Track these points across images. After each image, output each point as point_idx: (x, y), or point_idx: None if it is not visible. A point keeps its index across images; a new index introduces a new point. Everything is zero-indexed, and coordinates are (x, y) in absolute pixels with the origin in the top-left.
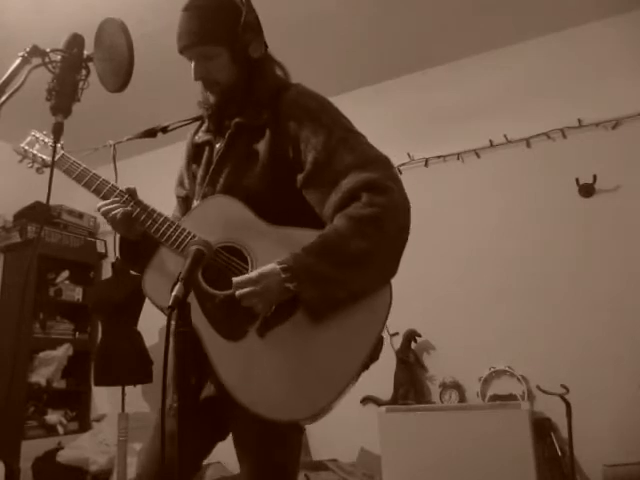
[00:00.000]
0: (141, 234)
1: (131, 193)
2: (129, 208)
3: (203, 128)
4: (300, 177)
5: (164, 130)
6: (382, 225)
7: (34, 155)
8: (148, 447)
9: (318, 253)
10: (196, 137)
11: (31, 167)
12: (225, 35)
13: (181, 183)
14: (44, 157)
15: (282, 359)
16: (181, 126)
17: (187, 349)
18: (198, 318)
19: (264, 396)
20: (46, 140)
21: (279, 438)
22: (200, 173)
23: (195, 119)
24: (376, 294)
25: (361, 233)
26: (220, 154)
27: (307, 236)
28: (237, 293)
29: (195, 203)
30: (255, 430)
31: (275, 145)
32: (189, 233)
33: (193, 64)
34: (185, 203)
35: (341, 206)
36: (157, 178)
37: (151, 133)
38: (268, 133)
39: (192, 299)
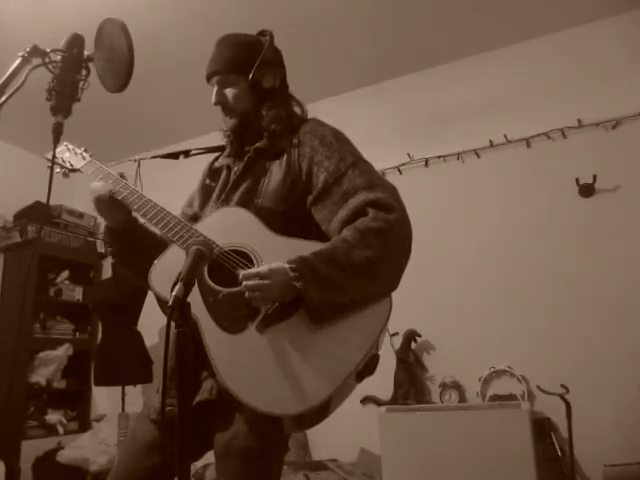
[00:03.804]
0: (124, 223)
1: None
2: (117, 188)
3: (224, 154)
4: (310, 197)
5: (186, 154)
6: (386, 238)
7: (63, 160)
8: (124, 455)
9: (324, 258)
10: (215, 163)
11: (58, 172)
12: (244, 67)
13: (190, 204)
14: (72, 162)
15: (276, 356)
16: (203, 152)
17: (188, 349)
18: (199, 310)
19: (252, 386)
20: (77, 150)
21: (263, 453)
22: (215, 193)
23: (217, 148)
24: (376, 306)
25: (366, 243)
26: (237, 175)
27: (313, 246)
28: (244, 284)
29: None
30: (239, 442)
31: (290, 168)
32: (191, 229)
33: (215, 90)
34: (194, 220)
35: (348, 221)
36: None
37: (174, 155)
38: (284, 159)
39: (195, 292)
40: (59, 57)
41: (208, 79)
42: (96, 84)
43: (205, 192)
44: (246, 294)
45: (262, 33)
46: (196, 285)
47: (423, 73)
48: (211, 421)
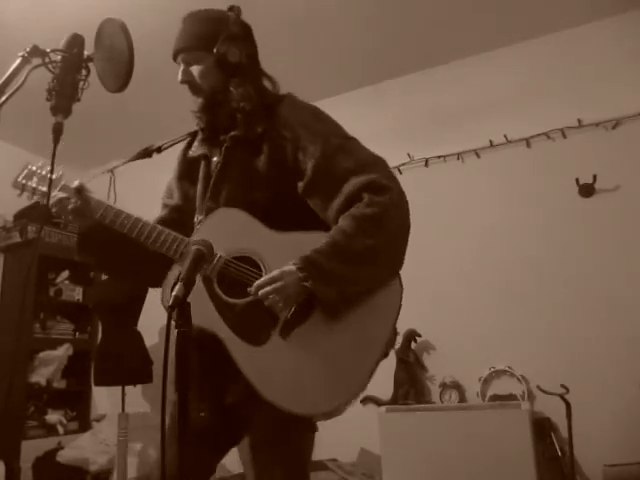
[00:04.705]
0: (91, 227)
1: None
2: (100, 212)
3: (196, 142)
4: (301, 185)
5: (159, 150)
6: (384, 222)
7: (34, 188)
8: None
9: (327, 253)
10: (190, 151)
11: (32, 199)
12: (209, 42)
13: (170, 195)
14: (44, 189)
15: (306, 357)
16: (175, 144)
17: (187, 349)
18: (221, 328)
19: (291, 393)
20: (43, 172)
21: (292, 440)
22: (199, 188)
23: (188, 135)
24: (387, 286)
25: (365, 231)
26: (219, 168)
27: (315, 238)
28: (260, 292)
29: (198, 218)
30: (269, 431)
31: (273, 157)
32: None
33: (180, 68)
34: (177, 212)
35: (344, 208)
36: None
37: (146, 154)
38: (265, 145)
39: (212, 309)
40: (59, 57)
41: (174, 58)
42: (96, 84)
43: (185, 184)
44: (265, 302)
45: (230, 8)
46: (211, 302)
47: (423, 73)
48: (241, 415)
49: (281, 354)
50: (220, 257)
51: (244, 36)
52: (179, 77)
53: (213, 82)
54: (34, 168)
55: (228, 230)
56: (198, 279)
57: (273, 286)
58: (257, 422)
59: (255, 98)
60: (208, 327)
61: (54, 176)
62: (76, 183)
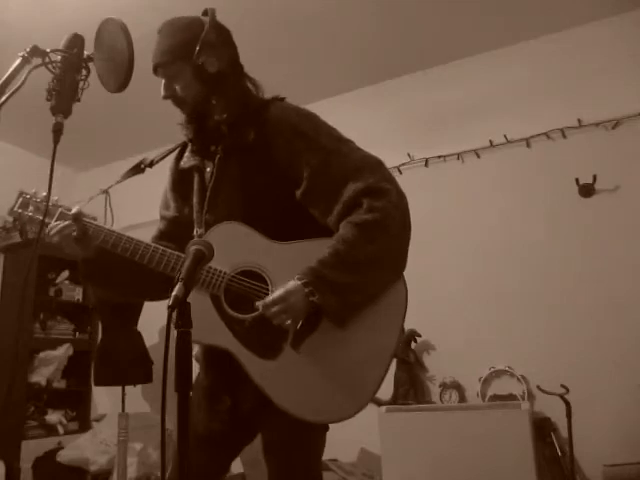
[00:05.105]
0: (93, 251)
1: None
2: (102, 237)
3: (187, 152)
4: (299, 192)
5: (150, 165)
6: (385, 226)
7: (30, 217)
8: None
9: (332, 264)
10: (181, 162)
11: (30, 229)
12: (185, 53)
13: (166, 207)
14: (40, 218)
15: (320, 366)
16: (166, 156)
17: (188, 349)
18: (231, 343)
19: (314, 405)
20: (37, 199)
21: (305, 438)
22: (195, 200)
23: (178, 145)
24: (392, 288)
25: (367, 238)
26: (214, 180)
27: (317, 246)
28: (267, 313)
29: (197, 231)
30: (283, 432)
31: (267, 165)
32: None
33: (162, 83)
34: (174, 224)
35: (345, 215)
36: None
37: (139, 170)
38: (258, 154)
39: (223, 328)
40: (59, 57)
41: (154, 72)
42: (96, 84)
43: (180, 195)
44: (274, 322)
45: (204, 12)
46: (220, 319)
47: (423, 73)
48: (255, 417)
49: (295, 366)
50: (225, 274)
51: (222, 41)
52: (161, 93)
53: (195, 94)
54: (28, 196)
55: (230, 245)
56: (206, 298)
57: (280, 306)
58: (272, 423)
59: (236, 108)
60: (219, 344)
61: (50, 204)
62: (74, 210)
